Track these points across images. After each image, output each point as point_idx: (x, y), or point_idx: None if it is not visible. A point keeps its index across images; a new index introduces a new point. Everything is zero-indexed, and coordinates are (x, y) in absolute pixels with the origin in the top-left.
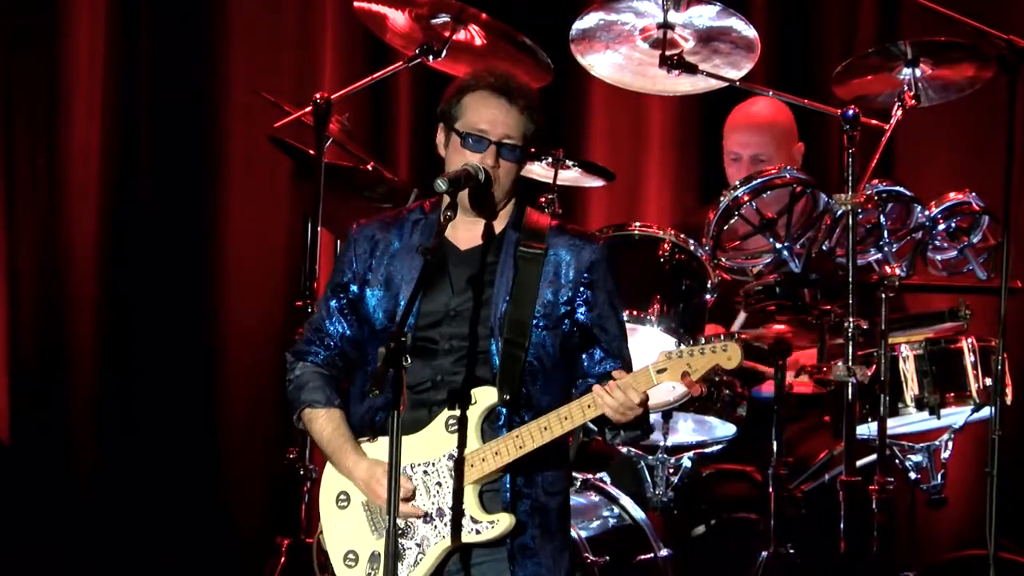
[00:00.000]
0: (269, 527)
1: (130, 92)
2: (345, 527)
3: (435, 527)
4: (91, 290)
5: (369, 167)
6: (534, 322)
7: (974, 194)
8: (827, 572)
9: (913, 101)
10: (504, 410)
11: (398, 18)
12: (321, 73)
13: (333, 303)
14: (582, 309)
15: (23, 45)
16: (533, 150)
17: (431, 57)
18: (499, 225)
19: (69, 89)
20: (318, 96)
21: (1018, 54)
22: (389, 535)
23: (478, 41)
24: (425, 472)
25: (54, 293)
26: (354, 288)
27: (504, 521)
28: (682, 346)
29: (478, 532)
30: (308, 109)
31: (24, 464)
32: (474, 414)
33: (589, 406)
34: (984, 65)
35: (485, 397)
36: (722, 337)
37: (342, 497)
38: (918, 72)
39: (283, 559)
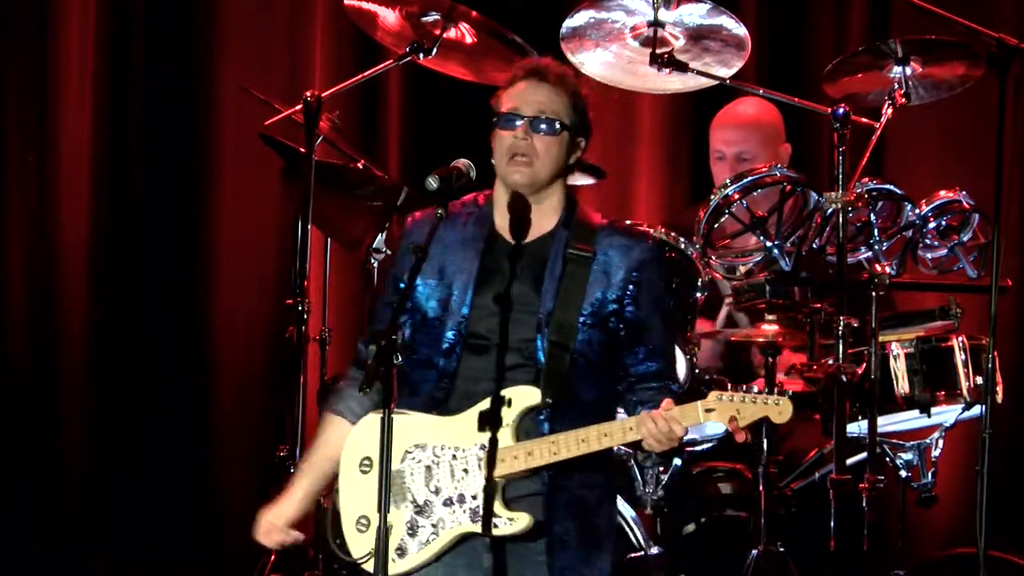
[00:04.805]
0: None
1: (120, 90)
2: (362, 492)
3: (453, 511)
4: (81, 288)
5: (359, 165)
6: (581, 320)
7: (964, 192)
8: (817, 570)
9: (903, 99)
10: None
11: (388, 16)
12: (311, 71)
13: (389, 296)
14: (630, 308)
15: (12, 43)
16: (582, 145)
17: (421, 55)
18: (550, 222)
19: (59, 87)
20: (308, 94)
21: (1008, 52)
22: (379, 534)
23: (468, 39)
24: (454, 456)
25: (44, 292)
26: (403, 281)
27: (523, 521)
28: (735, 392)
29: (496, 526)
30: (298, 107)
31: (15, 465)
32: (514, 411)
33: (631, 429)
34: (974, 63)
35: (528, 397)
36: (775, 391)
37: (365, 462)
38: (908, 70)
39: (273, 556)
